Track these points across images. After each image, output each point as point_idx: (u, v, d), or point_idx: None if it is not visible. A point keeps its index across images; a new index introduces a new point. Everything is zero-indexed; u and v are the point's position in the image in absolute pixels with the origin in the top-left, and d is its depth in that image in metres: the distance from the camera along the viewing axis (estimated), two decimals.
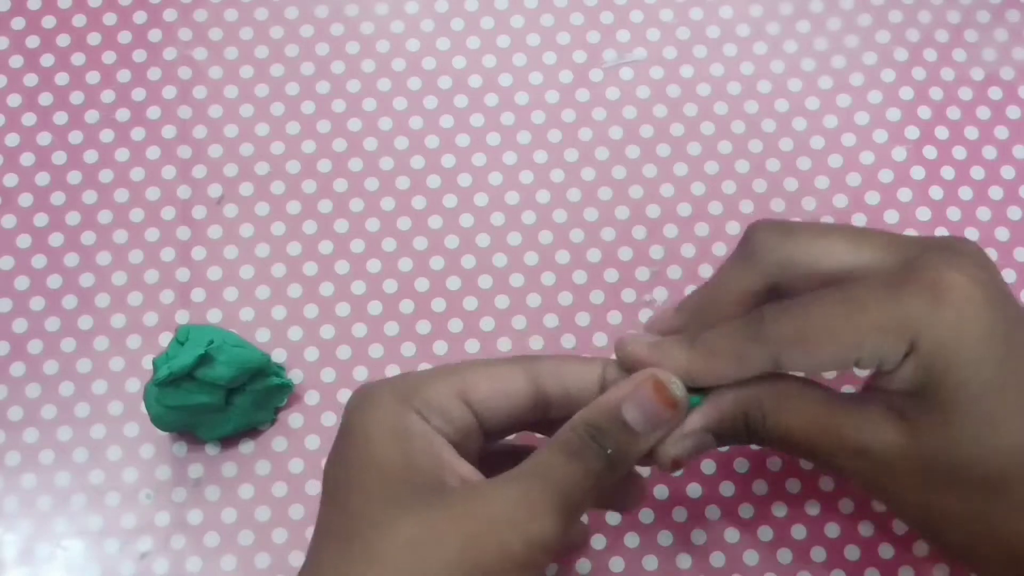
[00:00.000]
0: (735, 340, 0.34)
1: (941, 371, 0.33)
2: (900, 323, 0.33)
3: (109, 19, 0.47)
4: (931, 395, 0.33)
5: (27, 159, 0.45)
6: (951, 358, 0.33)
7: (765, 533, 0.42)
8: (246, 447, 0.42)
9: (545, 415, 0.35)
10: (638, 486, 0.38)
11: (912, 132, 0.45)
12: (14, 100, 0.46)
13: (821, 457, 0.35)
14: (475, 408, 0.34)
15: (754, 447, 0.42)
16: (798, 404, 0.35)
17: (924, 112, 0.46)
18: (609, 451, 0.33)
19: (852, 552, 0.41)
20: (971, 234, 0.44)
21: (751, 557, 0.41)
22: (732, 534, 0.42)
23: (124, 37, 0.47)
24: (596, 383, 0.35)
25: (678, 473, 0.41)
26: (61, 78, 0.46)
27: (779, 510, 0.42)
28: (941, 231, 0.44)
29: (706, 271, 0.44)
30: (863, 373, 0.35)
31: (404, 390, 0.34)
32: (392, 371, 0.43)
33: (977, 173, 0.45)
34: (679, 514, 0.42)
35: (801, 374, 0.36)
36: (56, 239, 0.44)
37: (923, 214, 0.44)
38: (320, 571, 0.32)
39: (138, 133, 0.46)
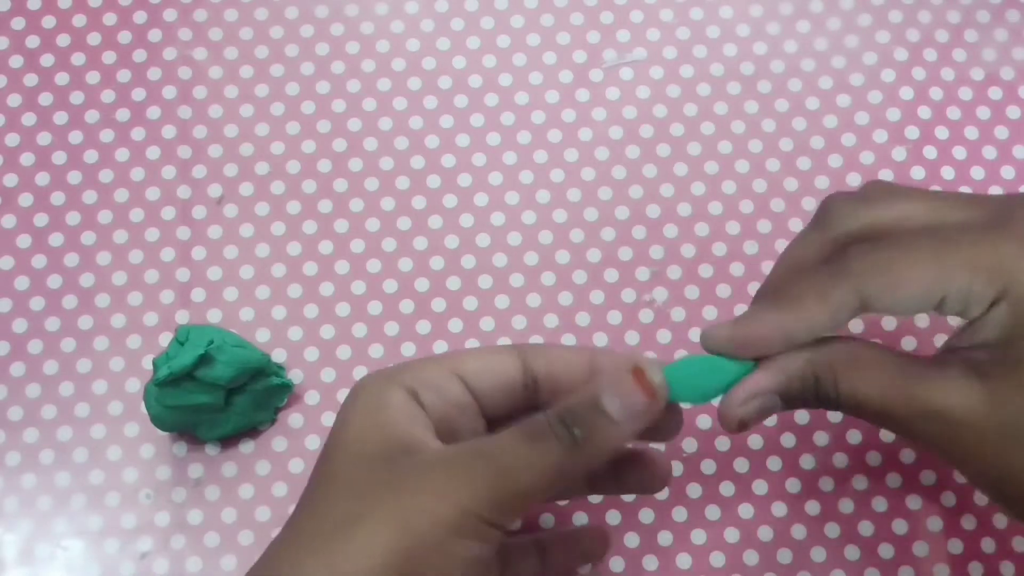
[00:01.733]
0: (819, 280, 0.33)
1: None
2: (993, 265, 0.32)
3: (109, 19, 0.47)
4: (1018, 347, 0.32)
5: (27, 159, 0.45)
6: None
7: (765, 533, 0.42)
8: (246, 447, 0.42)
9: (537, 400, 0.36)
10: (675, 417, 0.36)
11: (912, 132, 0.45)
12: (14, 100, 0.46)
13: (896, 422, 0.34)
14: (469, 385, 0.35)
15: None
16: (871, 369, 0.34)
17: (924, 112, 0.46)
18: (577, 432, 0.32)
19: (852, 552, 0.41)
20: None
21: (751, 557, 0.41)
22: (732, 534, 0.42)
23: (124, 37, 0.47)
24: (583, 369, 0.35)
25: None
26: (61, 78, 0.46)
27: (779, 510, 0.42)
28: None
29: (706, 271, 0.44)
30: (950, 324, 0.34)
31: (395, 371, 0.35)
32: None
33: (977, 173, 0.45)
34: (679, 514, 0.42)
35: (889, 319, 0.35)
36: (56, 239, 0.44)
37: None
38: (277, 542, 0.33)
39: (138, 133, 0.46)
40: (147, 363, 0.43)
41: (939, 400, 0.33)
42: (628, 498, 0.42)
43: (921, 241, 0.33)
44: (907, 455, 0.42)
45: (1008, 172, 0.45)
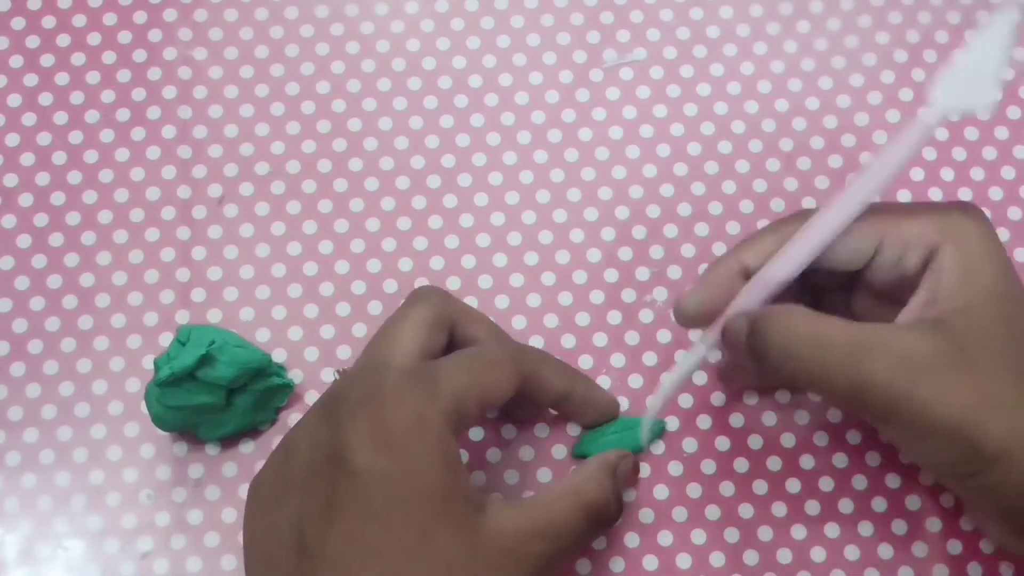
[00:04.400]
0: (775, 223, 0.38)
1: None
2: (929, 216, 0.36)
3: (109, 19, 0.47)
4: (970, 292, 0.34)
5: (27, 159, 0.45)
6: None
7: (765, 533, 0.42)
8: (246, 447, 0.42)
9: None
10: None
11: None
12: (14, 100, 0.46)
13: (851, 366, 0.34)
14: (481, 410, 0.36)
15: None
16: (830, 319, 0.35)
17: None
18: None
19: (852, 552, 0.41)
20: None
21: (751, 557, 0.41)
22: (732, 534, 0.42)
23: (124, 37, 0.47)
24: (564, 385, 0.40)
25: None
26: (61, 78, 0.46)
27: (779, 510, 0.42)
28: None
29: None
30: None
31: (448, 410, 0.35)
32: None
33: (977, 174, 0.45)
34: (679, 514, 0.42)
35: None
36: (56, 239, 0.44)
37: None
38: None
39: (138, 133, 0.46)
40: (147, 363, 0.43)
41: (896, 341, 0.34)
42: (628, 498, 0.42)
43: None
44: None
45: (1008, 172, 0.45)
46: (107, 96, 0.46)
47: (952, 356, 0.34)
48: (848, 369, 0.34)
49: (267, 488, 0.36)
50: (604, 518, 0.37)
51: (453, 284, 0.44)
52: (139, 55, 0.46)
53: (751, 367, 0.36)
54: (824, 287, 0.39)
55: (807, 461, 0.42)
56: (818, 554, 0.41)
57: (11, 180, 0.45)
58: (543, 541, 0.35)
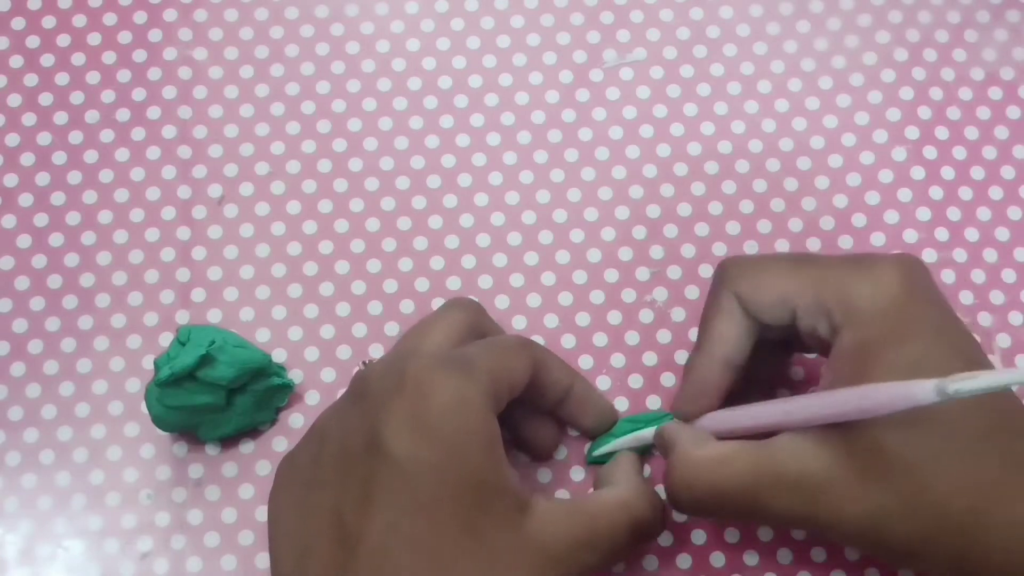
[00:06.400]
0: (710, 299, 0.38)
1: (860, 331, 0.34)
2: (838, 287, 0.35)
3: (109, 19, 0.47)
4: (865, 370, 0.33)
5: (27, 159, 0.45)
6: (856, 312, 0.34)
7: (765, 533, 0.42)
8: (246, 447, 0.42)
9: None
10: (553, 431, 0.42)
11: (912, 132, 0.46)
12: (14, 100, 0.46)
13: (752, 502, 0.34)
14: (510, 395, 0.37)
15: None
16: (726, 455, 0.35)
17: (924, 112, 0.46)
18: None
19: (852, 552, 0.41)
20: (971, 234, 0.44)
21: (751, 557, 0.41)
22: (732, 534, 0.42)
23: (124, 37, 0.47)
24: (567, 382, 0.40)
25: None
26: (61, 78, 0.46)
27: None
28: (941, 231, 0.44)
29: (706, 271, 0.44)
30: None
31: (494, 391, 0.35)
32: None
33: (977, 173, 0.45)
34: (679, 514, 0.42)
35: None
36: (56, 239, 0.44)
37: (923, 214, 0.45)
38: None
39: (138, 133, 0.46)
40: (147, 363, 0.43)
41: (799, 465, 0.34)
42: None
43: (786, 256, 0.38)
44: None
45: (1008, 172, 0.45)
46: (107, 96, 0.46)
47: (843, 470, 0.33)
48: (751, 509, 0.35)
49: (298, 474, 0.35)
50: (649, 534, 0.37)
51: (453, 284, 0.44)
52: (139, 55, 0.46)
53: None
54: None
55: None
56: (818, 554, 0.41)
57: (11, 180, 0.45)
58: (592, 552, 0.35)
